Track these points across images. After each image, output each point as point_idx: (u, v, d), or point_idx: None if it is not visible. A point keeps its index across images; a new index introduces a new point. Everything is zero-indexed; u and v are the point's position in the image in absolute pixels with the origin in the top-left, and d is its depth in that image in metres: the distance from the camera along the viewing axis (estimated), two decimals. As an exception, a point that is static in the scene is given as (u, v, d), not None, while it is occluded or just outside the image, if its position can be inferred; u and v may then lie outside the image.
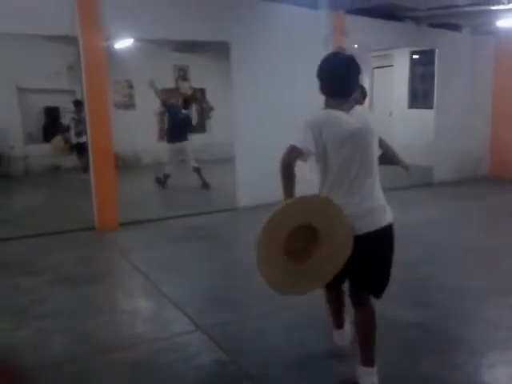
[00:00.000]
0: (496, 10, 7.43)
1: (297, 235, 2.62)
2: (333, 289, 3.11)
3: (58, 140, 10.77)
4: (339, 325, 3.30)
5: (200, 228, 6.68)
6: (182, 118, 9.44)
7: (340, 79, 2.75)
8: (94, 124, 6.48)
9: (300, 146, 2.61)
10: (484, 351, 3.34)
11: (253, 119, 7.42)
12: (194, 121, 13.54)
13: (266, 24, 7.41)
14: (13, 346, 3.51)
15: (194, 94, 13.36)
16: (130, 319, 4.01)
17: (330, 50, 3.82)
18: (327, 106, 2.80)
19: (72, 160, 11.23)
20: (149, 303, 4.42)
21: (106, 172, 6.58)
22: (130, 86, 12.69)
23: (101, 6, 6.20)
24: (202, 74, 13.18)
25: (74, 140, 10.33)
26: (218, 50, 9.67)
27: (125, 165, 10.99)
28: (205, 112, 13.40)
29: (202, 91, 13.51)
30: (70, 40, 6.99)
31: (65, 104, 11.92)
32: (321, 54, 2.94)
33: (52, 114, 12.08)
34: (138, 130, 11.80)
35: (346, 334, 3.32)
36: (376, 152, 2.81)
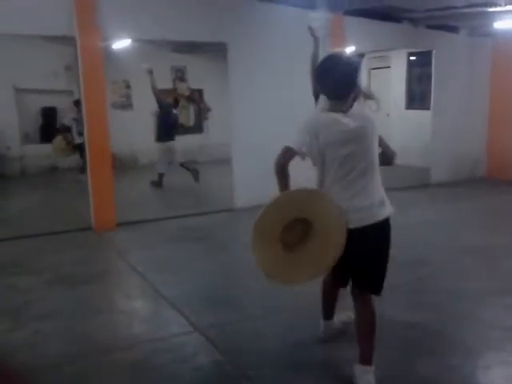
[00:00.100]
0: (493, 11, 7.44)
1: (293, 229, 2.70)
2: (339, 285, 3.18)
3: (58, 140, 10.71)
4: (327, 316, 3.42)
5: (197, 229, 6.68)
6: (173, 117, 9.60)
7: (338, 80, 2.77)
8: (92, 124, 6.48)
9: (295, 148, 2.72)
10: (480, 352, 3.36)
11: (250, 120, 7.43)
12: (192, 121, 13.62)
13: (263, 25, 7.42)
14: (10, 346, 3.50)
15: (191, 94, 13.36)
16: (127, 320, 4.01)
17: (327, 51, 3.83)
18: (327, 106, 2.83)
19: (68, 160, 11.23)
20: (146, 304, 4.42)
21: (103, 172, 6.57)
22: (128, 87, 12.68)
23: (99, 7, 6.20)
24: (199, 75, 13.18)
25: (77, 140, 10.26)
26: (216, 51, 9.67)
27: (122, 165, 10.98)
28: (202, 113, 13.42)
29: (200, 92, 13.51)
30: (67, 40, 6.99)
31: (62, 104, 11.92)
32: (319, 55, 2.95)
33: (49, 115, 12.05)
34: (135, 130, 11.79)
35: (332, 326, 3.42)
36: (375, 150, 2.83)
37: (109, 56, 8.31)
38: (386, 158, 2.97)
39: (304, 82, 4.12)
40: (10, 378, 1.08)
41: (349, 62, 2.85)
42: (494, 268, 4.95)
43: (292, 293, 4.21)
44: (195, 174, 9.56)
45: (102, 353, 3.43)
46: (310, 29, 3.90)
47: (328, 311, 3.41)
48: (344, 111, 2.74)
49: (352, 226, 2.74)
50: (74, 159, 10.83)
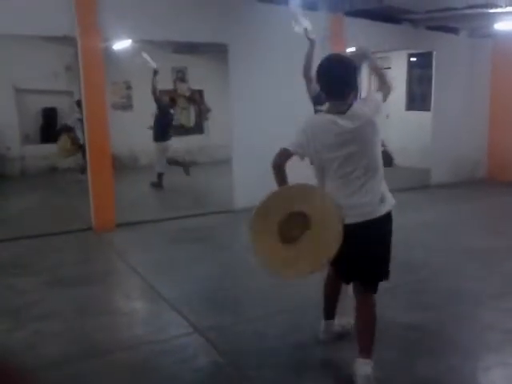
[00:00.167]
0: (494, 12, 7.45)
1: (293, 223, 2.77)
2: (342, 281, 3.18)
3: (64, 140, 10.70)
4: (328, 316, 3.42)
5: (197, 229, 6.67)
6: (170, 117, 9.68)
7: (338, 80, 2.78)
8: (92, 125, 6.47)
9: (291, 149, 2.82)
10: (480, 353, 3.36)
11: (250, 121, 7.43)
12: (192, 122, 13.62)
13: (263, 25, 7.42)
14: (10, 347, 3.50)
15: (191, 95, 13.37)
16: (127, 321, 4.01)
17: (327, 51, 3.82)
18: (325, 107, 2.87)
19: (68, 161, 11.22)
20: (146, 305, 4.42)
21: (103, 173, 6.57)
22: (128, 87, 12.67)
23: (99, 7, 6.20)
24: (200, 76, 13.17)
25: (82, 140, 10.22)
26: (217, 52, 9.66)
27: (122, 166, 10.97)
28: (202, 113, 13.42)
29: (200, 93, 13.51)
30: (68, 41, 6.98)
31: (62, 105, 11.91)
32: (319, 55, 2.96)
33: (50, 115, 12.04)
34: (135, 131, 11.78)
35: (332, 326, 3.42)
36: (376, 149, 2.84)
37: (109, 57, 8.31)
38: (386, 159, 2.98)
39: (304, 83, 4.13)
40: (11, 377, 1.08)
41: (348, 61, 2.87)
42: (495, 270, 4.94)
43: (292, 294, 4.22)
44: (186, 168, 9.72)
45: (101, 353, 3.42)
46: (306, 31, 3.92)
47: (329, 311, 3.41)
48: (343, 112, 2.75)
49: (352, 221, 2.76)
50: (73, 160, 10.83)
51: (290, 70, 7.54)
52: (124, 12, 6.41)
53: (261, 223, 2.77)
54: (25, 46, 10.16)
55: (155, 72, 8.97)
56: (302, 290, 4.15)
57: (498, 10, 7.24)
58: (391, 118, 11.76)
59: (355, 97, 2.89)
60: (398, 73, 12.02)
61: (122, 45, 9.28)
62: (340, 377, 3.06)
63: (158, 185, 9.55)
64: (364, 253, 2.82)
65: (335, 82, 2.79)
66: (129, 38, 7.91)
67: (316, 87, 3.63)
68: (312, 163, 2.97)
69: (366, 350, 2.88)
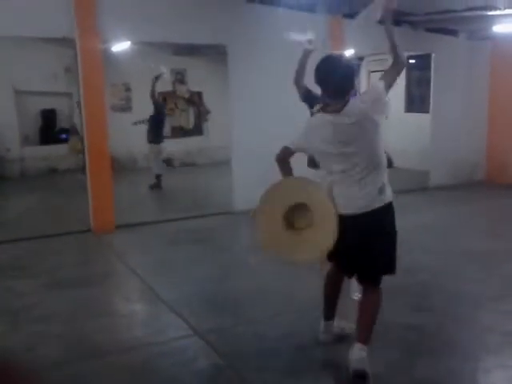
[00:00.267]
0: (492, 15, 7.46)
1: (299, 212, 2.93)
2: (344, 274, 3.22)
3: (74, 141, 10.76)
4: (328, 317, 3.42)
5: (196, 231, 6.67)
6: (164, 119, 9.84)
7: (334, 81, 2.80)
8: (91, 127, 6.48)
9: (291, 147, 3.05)
10: (479, 355, 3.37)
11: (250, 122, 7.43)
12: (192, 124, 13.62)
13: (262, 27, 7.42)
14: (8, 348, 3.49)
15: (191, 97, 13.37)
16: (126, 323, 4.00)
17: (326, 53, 3.83)
18: (323, 107, 2.94)
19: (68, 162, 11.21)
20: (145, 307, 4.41)
21: (102, 174, 6.57)
22: (127, 89, 12.66)
23: (98, 9, 6.20)
24: (199, 78, 13.17)
25: None
26: (216, 54, 9.68)
27: (121, 167, 10.97)
28: (202, 115, 13.43)
29: (199, 94, 13.51)
30: (67, 42, 6.98)
31: (62, 106, 11.91)
32: (318, 57, 2.97)
33: (49, 117, 12.03)
34: (134, 132, 11.78)
35: (332, 327, 3.43)
36: (375, 143, 2.85)
37: (108, 58, 8.30)
38: (386, 160, 2.99)
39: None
40: (11, 378, 1.08)
41: (346, 62, 2.90)
42: (494, 272, 4.94)
43: (292, 295, 4.22)
44: (170, 163, 9.96)
45: (101, 355, 3.42)
46: (308, 41, 3.95)
47: (329, 311, 3.41)
48: (338, 110, 2.77)
49: (351, 212, 2.83)
50: (73, 160, 10.83)
51: (288, 70, 7.55)
52: (123, 14, 6.41)
53: (268, 206, 2.97)
54: (24, 47, 10.16)
55: (158, 76, 9.01)
56: (302, 291, 4.16)
57: (497, 12, 7.25)
58: (390, 119, 11.77)
59: (353, 94, 2.91)
60: (397, 75, 12.03)
61: (121, 46, 9.27)
62: (340, 378, 3.06)
63: (156, 186, 9.56)
64: (364, 245, 2.86)
65: (334, 82, 2.81)
66: (128, 39, 7.90)
67: (303, 95, 4.10)
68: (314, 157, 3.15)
69: (364, 337, 2.93)
